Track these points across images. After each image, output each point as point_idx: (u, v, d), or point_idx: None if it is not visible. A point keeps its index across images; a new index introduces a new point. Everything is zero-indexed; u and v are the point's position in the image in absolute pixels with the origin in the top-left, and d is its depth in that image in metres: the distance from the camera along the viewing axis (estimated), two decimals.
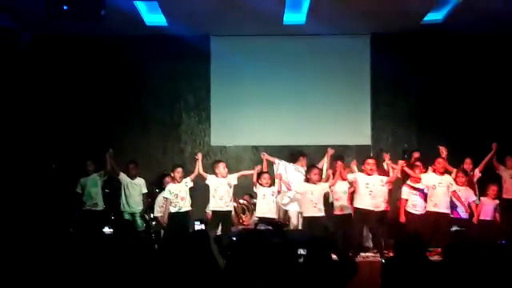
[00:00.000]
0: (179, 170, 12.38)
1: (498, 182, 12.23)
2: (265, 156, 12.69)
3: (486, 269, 6.01)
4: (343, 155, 13.40)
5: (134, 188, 12.79)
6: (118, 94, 14.64)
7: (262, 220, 11.80)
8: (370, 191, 11.51)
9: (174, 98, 14.88)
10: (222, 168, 12.17)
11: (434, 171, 11.88)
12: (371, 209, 11.50)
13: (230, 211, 12.22)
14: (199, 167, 12.25)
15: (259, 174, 12.07)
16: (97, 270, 6.44)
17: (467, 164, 12.46)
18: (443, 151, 12.30)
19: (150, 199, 13.11)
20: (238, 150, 14.79)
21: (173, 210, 12.18)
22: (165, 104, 14.87)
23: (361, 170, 11.81)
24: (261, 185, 11.97)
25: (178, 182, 12.28)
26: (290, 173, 12.77)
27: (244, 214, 12.73)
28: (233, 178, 12.19)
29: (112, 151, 12.63)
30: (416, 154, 12.88)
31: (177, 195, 12.19)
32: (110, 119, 14.56)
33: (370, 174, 11.61)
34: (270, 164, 12.81)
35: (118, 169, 12.74)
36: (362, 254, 11.26)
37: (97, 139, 13.91)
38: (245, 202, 12.81)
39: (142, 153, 14.35)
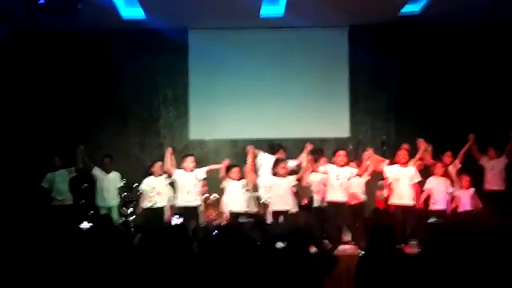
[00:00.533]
0: (159, 164, 12.34)
1: (470, 172, 12.25)
2: (251, 149, 12.62)
3: (464, 260, 6.02)
4: (323, 149, 13.42)
5: (109, 182, 12.76)
6: (96, 88, 14.52)
7: (242, 213, 11.82)
8: (340, 183, 11.52)
9: (153, 93, 14.81)
10: (189, 162, 12.07)
11: (397, 163, 11.85)
12: (343, 201, 11.51)
13: (198, 205, 12.12)
14: (167, 161, 12.13)
15: (228, 168, 12.04)
16: (77, 264, 6.42)
17: (447, 157, 12.46)
18: (422, 143, 12.23)
19: (128, 193, 13.08)
20: (217, 143, 14.75)
21: (147, 204, 12.13)
22: (143, 98, 14.81)
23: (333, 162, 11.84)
24: (230, 178, 11.95)
25: (159, 175, 12.23)
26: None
27: (214, 207, 12.66)
28: (200, 172, 12.10)
29: (83, 148, 12.59)
30: (406, 146, 12.75)
31: (154, 188, 12.14)
32: (88, 114, 14.44)
33: (341, 166, 11.61)
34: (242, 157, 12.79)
35: (91, 164, 12.69)
36: (341, 247, 11.27)
37: (74, 134, 13.82)
38: (216, 195, 12.76)
39: (121, 147, 14.32)
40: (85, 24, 12.66)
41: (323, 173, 11.72)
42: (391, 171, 11.77)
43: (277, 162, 11.89)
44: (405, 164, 11.72)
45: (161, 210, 12.15)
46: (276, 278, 6.18)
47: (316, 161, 12.08)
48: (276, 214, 11.56)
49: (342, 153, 11.71)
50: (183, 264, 6.09)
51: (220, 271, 5.86)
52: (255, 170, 12.47)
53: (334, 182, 11.51)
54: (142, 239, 8.16)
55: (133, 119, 14.74)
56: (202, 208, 12.26)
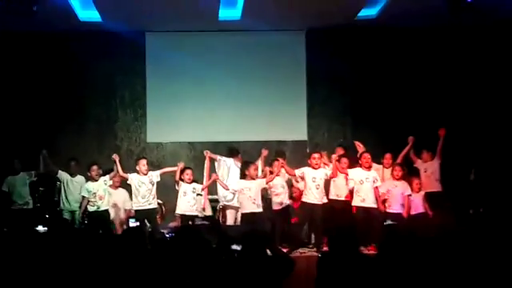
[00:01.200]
0: (94, 167, 12.15)
1: (419, 175, 12.42)
2: (208, 153, 12.58)
3: (418, 262, 6.09)
4: (285, 152, 13.42)
5: (74, 186, 12.47)
6: (53, 90, 14.41)
7: (199, 216, 11.81)
8: (317, 185, 11.57)
9: (110, 95, 14.74)
10: (142, 165, 11.98)
11: (361, 166, 11.96)
12: (317, 202, 11.57)
13: (154, 209, 12.04)
14: (119, 168, 12.01)
15: (182, 170, 12.01)
16: (36, 268, 6.38)
17: (387, 159, 12.50)
18: (359, 146, 12.41)
19: None
20: (175, 146, 14.74)
21: (91, 209, 12.01)
22: (100, 101, 14.74)
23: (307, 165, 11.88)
24: (182, 181, 11.91)
25: (96, 180, 12.14)
26: (233, 169, 12.68)
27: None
28: (155, 176, 12.01)
29: (45, 152, 12.41)
30: (340, 151, 12.84)
31: (95, 194, 12.04)
32: (46, 116, 14.33)
33: (316, 168, 11.68)
34: (212, 161, 12.72)
35: (55, 168, 12.49)
36: (300, 249, 11.31)
37: (32, 136, 13.72)
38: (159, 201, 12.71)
39: (78, 150, 14.14)
40: (42, 25, 12.57)
41: (299, 176, 11.77)
42: (355, 174, 11.87)
43: (247, 164, 11.83)
44: (368, 168, 11.85)
45: (105, 213, 12.08)
46: (232, 281, 6.18)
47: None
48: (246, 216, 11.52)
49: (316, 155, 11.77)
50: (139, 266, 6.08)
51: (175, 273, 5.87)
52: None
53: (310, 184, 11.58)
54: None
55: (90, 122, 14.66)
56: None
